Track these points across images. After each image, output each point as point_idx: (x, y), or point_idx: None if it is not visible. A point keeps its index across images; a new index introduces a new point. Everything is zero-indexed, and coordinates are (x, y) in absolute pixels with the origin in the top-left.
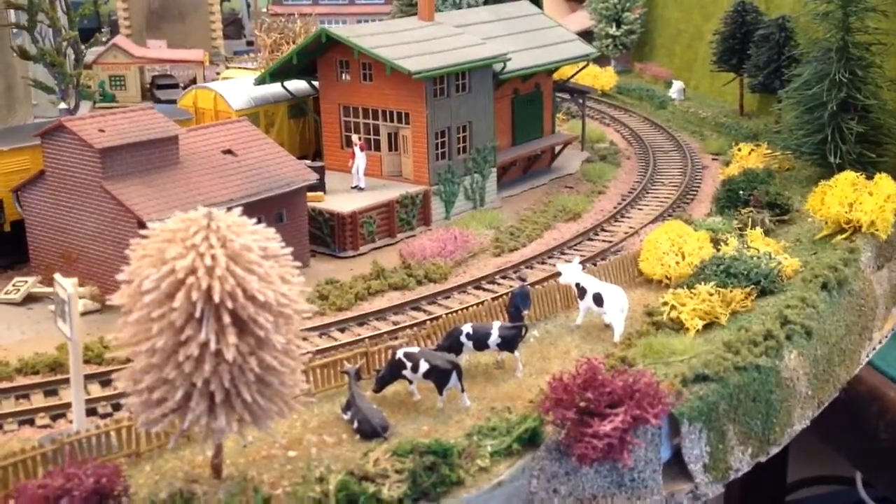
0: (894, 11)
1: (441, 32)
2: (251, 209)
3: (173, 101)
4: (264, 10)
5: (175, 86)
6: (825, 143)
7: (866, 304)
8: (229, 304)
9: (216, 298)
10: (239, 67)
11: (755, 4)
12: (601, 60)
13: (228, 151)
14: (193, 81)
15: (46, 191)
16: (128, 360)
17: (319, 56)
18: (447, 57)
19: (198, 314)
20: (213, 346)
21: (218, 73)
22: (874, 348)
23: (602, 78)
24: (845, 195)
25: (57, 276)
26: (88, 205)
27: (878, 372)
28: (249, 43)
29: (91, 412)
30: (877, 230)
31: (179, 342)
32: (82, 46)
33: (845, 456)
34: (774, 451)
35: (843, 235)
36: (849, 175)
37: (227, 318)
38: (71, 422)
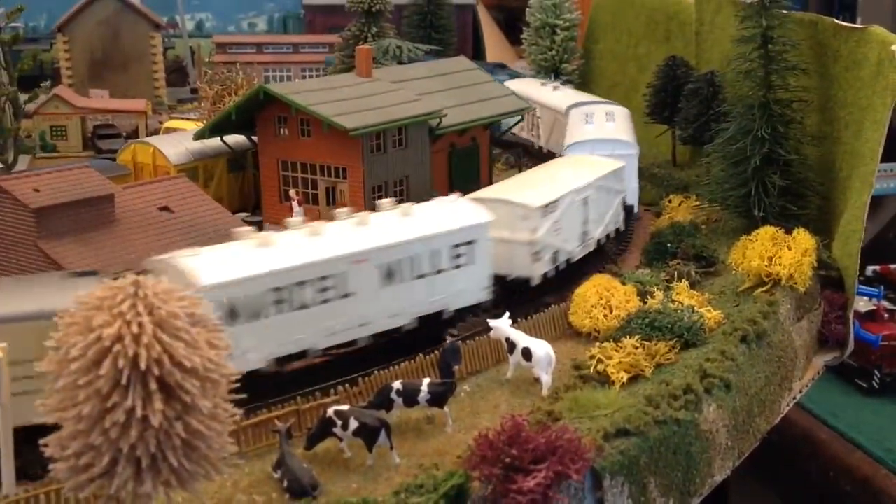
0: (814, 69)
1: (378, 89)
2: None
3: (115, 151)
4: (207, 59)
5: (117, 135)
6: (749, 196)
7: (786, 355)
8: (156, 371)
9: (142, 365)
10: (182, 118)
11: (686, 59)
12: None
13: (165, 208)
14: (136, 131)
15: None
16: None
17: (258, 112)
18: (384, 113)
19: (124, 381)
20: (139, 412)
21: (161, 123)
22: (794, 398)
23: None
24: (765, 249)
25: None
26: (23, 264)
27: (809, 415)
28: (194, 90)
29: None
30: (795, 283)
31: (106, 409)
32: (22, 100)
33: (781, 497)
34: (696, 501)
35: (764, 288)
36: (769, 230)
37: (153, 385)
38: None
